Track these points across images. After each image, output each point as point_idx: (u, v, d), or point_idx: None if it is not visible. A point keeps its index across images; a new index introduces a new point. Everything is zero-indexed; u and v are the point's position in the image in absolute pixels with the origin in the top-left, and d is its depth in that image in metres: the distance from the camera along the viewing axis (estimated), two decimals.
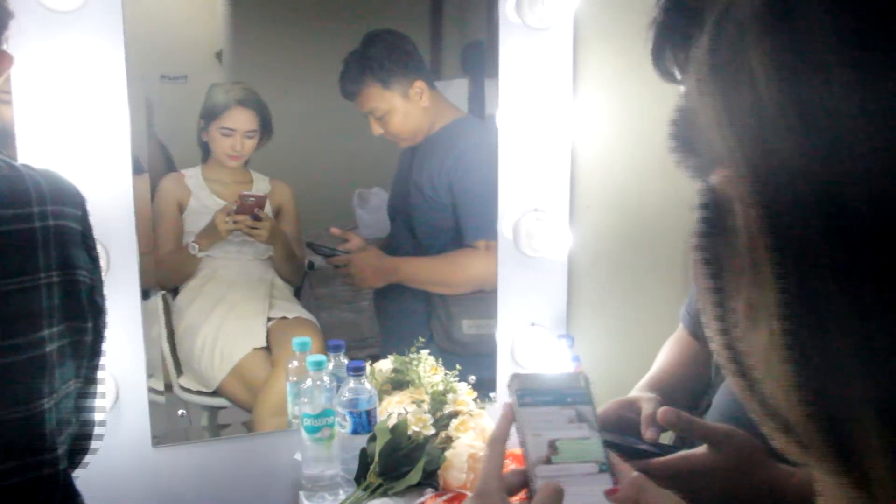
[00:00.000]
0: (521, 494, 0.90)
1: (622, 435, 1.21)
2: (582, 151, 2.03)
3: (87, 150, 1.73)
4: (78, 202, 1.04)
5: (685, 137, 0.45)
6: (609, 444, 1.08)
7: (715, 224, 0.44)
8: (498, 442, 0.91)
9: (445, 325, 2.25)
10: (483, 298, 2.21)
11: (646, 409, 1.25)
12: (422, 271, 2.27)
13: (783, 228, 0.38)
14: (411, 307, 2.30)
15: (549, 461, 0.89)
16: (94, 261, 1.05)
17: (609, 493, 0.89)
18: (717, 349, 0.46)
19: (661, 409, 1.11)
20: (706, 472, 1.05)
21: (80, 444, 1.15)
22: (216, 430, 2.20)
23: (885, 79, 0.36)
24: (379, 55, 2.21)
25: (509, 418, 0.93)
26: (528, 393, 0.94)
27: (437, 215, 2.25)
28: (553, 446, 0.90)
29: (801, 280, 0.38)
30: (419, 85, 2.22)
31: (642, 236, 2.04)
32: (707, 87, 0.42)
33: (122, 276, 1.80)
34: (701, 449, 1.08)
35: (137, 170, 1.88)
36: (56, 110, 1.68)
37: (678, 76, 1.15)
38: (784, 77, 0.38)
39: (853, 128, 0.36)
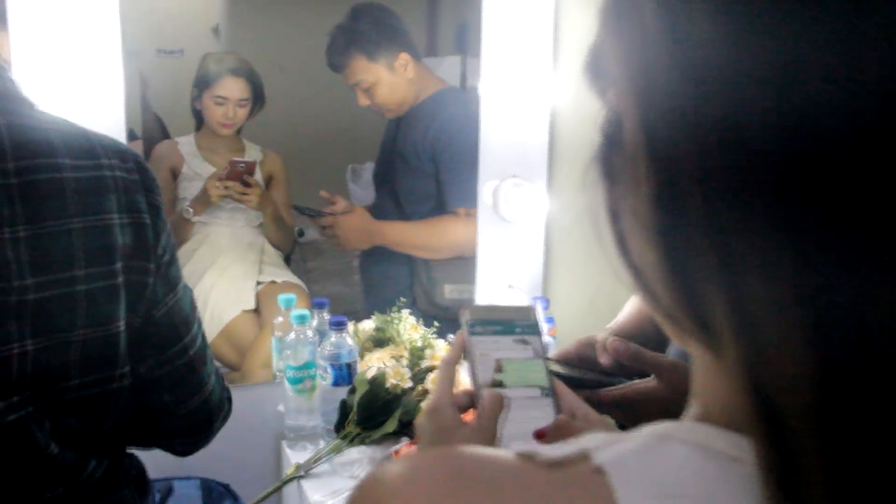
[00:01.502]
0: (470, 413, 0.96)
1: (576, 368, 1.28)
2: (561, 119, 2.10)
3: (83, 120, 1.79)
4: (137, 161, 1.18)
5: (594, 64, 0.53)
6: (561, 377, 1.15)
7: (611, 138, 0.51)
8: (448, 364, 0.98)
9: (428, 289, 2.32)
10: (464, 264, 2.28)
11: (600, 338, 1.33)
12: (405, 235, 2.34)
13: (656, 137, 0.45)
14: (395, 272, 2.37)
15: (494, 384, 0.95)
16: (153, 207, 1.17)
17: (538, 437, 0.95)
18: (615, 249, 0.53)
19: (610, 339, 1.17)
20: (650, 400, 1.12)
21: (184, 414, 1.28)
22: None
23: (741, 17, 0.43)
24: (364, 28, 2.28)
25: (460, 344, 0.99)
26: (479, 323, 1.00)
27: (420, 183, 2.32)
28: (499, 365, 0.97)
29: (669, 183, 0.45)
30: (404, 57, 2.29)
31: None
32: (608, 19, 0.50)
33: None
34: (648, 379, 1.15)
35: (131, 137, 1.95)
36: (53, 82, 1.75)
37: None
38: (663, 10, 0.45)
39: (716, 55, 0.43)
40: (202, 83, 2.28)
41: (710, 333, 0.45)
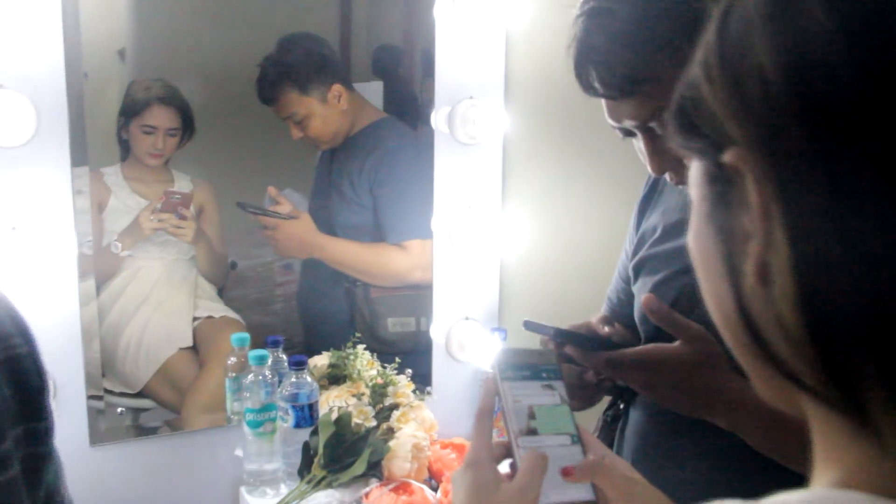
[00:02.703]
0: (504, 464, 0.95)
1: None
2: (512, 149, 2.11)
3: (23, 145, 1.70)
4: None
5: (690, 122, 0.51)
6: (576, 337, 1.20)
7: (725, 196, 0.49)
8: (485, 415, 0.96)
9: (370, 324, 2.28)
10: (407, 297, 2.25)
11: (596, 317, 1.34)
12: (345, 255, 2.28)
13: (793, 198, 0.44)
14: (334, 308, 2.31)
15: (528, 432, 0.95)
16: None
17: (565, 474, 0.94)
18: (725, 305, 0.51)
19: (646, 295, 1.16)
20: (672, 364, 1.13)
21: None
22: (141, 431, 2.16)
23: (882, 71, 0.42)
24: (296, 61, 2.22)
25: (493, 391, 0.98)
26: (510, 368, 1.00)
27: (358, 217, 2.27)
28: (531, 412, 0.97)
29: (811, 242, 0.44)
30: (337, 88, 2.24)
31: (571, 239, 2.14)
32: (718, 79, 0.48)
33: (59, 269, 1.77)
34: (673, 344, 1.15)
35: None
36: None
37: (600, 89, 1.20)
38: (790, 69, 0.44)
39: (853, 113, 0.42)
40: (129, 111, 2.18)
41: (854, 398, 0.44)
